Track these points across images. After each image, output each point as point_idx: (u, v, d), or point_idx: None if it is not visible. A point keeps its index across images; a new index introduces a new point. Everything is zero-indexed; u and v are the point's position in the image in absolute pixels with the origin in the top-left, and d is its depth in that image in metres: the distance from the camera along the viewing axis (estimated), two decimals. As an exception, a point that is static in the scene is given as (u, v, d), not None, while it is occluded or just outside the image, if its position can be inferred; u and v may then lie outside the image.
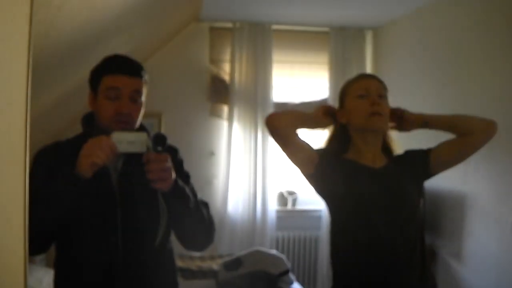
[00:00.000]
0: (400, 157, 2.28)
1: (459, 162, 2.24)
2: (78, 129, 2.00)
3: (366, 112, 2.10)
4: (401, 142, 2.36)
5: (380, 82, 2.21)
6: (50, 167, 1.74)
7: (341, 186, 2.12)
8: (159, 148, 1.68)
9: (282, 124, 2.14)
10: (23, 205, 0.99)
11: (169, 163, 1.71)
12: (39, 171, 1.74)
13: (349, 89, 2.22)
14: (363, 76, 2.31)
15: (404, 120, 2.23)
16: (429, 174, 2.24)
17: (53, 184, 1.67)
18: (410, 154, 2.28)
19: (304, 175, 2.21)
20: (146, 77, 1.93)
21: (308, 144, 2.18)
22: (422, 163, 2.21)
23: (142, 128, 1.96)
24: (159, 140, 1.69)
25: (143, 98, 1.91)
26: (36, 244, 1.53)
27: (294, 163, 2.20)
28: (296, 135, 2.15)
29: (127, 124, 1.83)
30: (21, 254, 1.00)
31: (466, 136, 2.16)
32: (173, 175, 1.74)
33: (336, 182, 2.12)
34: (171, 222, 1.87)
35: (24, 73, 0.95)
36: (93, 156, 1.61)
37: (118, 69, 1.85)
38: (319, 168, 2.14)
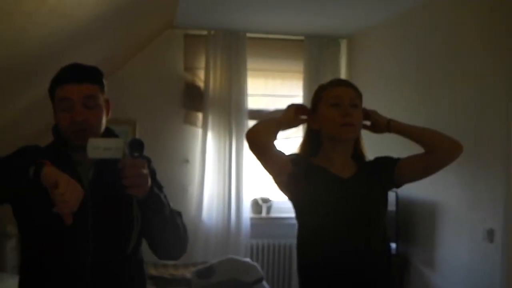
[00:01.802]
0: (369, 163, 2.29)
1: (423, 177, 2.25)
2: (49, 136, 1.97)
3: (338, 122, 2.10)
4: (374, 149, 2.38)
5: (355, 89, 2.20)
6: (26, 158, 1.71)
7: (311, 195, 2.13)
8: (136, 154, 1.65)
9: (262, 138, 2.12)
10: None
11: (146, 169, 1.68)
12: (9, 155, 1.78)
13: (323, 95, 2.20)
14: (338, 83, 2.28)
15: (372, 121, 2.26)
16: (394, 185, 2.26)
17: (15, 161, 1.67)
18: (379, 162, 2.29)
19: (277, 183, 2.21)
20: (102, 80, 1.89)
21: (283, 153, 2.18)
22: (389, 173, 2.22)
23: (112, 135, 1.93)
24: (136, 145, 1.65)
25: (100, 102, 1.87)
26: None
27: (269, 172, 2.19)
28: (274, 146, 2.14)
29: (85, 132, 1.78)
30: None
31: (431, 155, 2.17)
32: (149, 181, 1.71)
33: (306, 191, 2.13)
34: (144, 230, 1.84)
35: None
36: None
37: (66, 79, 1.81)
38: (292, 176, 2.14)
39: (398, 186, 2.27)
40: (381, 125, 2.24)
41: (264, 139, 2.12)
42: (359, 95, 2.20)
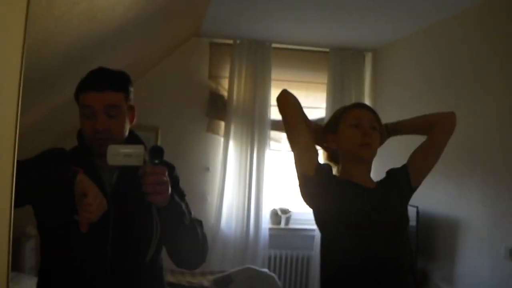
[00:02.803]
0: (385, 179, 2.33)
1: (434, 161, 2.31)
2: (73, 140, 1.98)
3: (358, 141, 2.18)
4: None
5: (374, 113, 2.30)
6: (50, 161, 1.74)
7: (337, 200, 2.12)
8: (156, 161, 1.63)
9: (293, 101, 2.27)
10: (8, 217, 0.97)
11: (166, 177, 1.66)
12: (38, 157, 1.82)
13: (344, 117, 2.27)
14: (359, 105, 2.38)
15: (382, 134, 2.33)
16: (413, 188, 2.30)
17: (46, 168, 1.68)
18: (392, 174, 2.35)
19: (303, 176, 2.18)
20: (127, 87, 1.89)
21: (313, 142, 2.24)
22: (404, 179, 2.28)
23: (138, 141, 1.93)
24: (156, 152, 1.64)
25: (123, 110, 1.86)
26: None
27: (297, 157, 2.19)
28: (304, 120, 2.26)
29: (105, 141, 1.76)
30: (5, 263, 0.98)
31: (431, 132, 2.29)
32: (169, 189, 1.70)
33: (332, 194, 2.13)
34: (163, 238, 1.82)
35: (16, 84, 0.93)
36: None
37: (88, 86, 1.81)
38: (319, 173, 2.14)
39: (416, 184, 2.31)
40: (382, 133, 2.33)
41: (295, 102, 2.28)
42: (378, 119, 2.29)
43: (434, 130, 2.28)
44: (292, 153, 2.23)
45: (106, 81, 1.83)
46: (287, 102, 2.27)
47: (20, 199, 1.67)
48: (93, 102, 1.79)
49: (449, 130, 2.30)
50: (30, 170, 1.61)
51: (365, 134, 2.17)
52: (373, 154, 2.24)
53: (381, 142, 2.34)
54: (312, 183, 2.17)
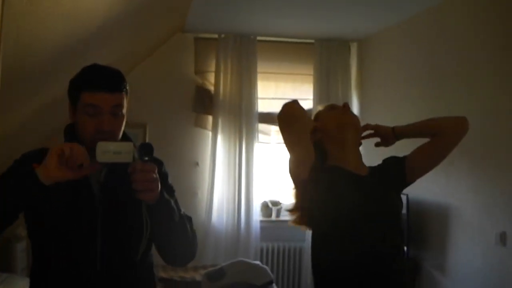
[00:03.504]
0: (379, 166, 2.30)
1: (435, 165, 2.27)
2: (60, 139, 1.97)
3: (338, 119, 2.21)
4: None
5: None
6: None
7: (328, 194, 2.11)
8: (146, 158, 1.64)
9: (299, 108, 2.19)
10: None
11: (156, 174, 1.66)
12: (11, 170, 1.78)
13: (322, 110, 2.33)
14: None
15: (380, 136, 2.31)
16: (406, 184, 2.27)
17: (12, 176, 1.66)
18: (387, 163, 2.31)
19: (296, 178, 2.14)
20: (127, 87, 1.87)
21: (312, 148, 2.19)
22: (399, 173, 2.24)
23: (126, 138, 1.92)
24: (146, 149, 1.64)
25: (124, 110, 1.86)
26: None
27: (294, 163, 2.14)
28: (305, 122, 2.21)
29: (107, 140, 1.77)
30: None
31: (439, 137, 2.21)
32: (159, 186, 1.70)
33: (322, 188, 2.11)
34: (153, 235, 1.83)
35: None
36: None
37: (97, 86, 1.78)
38: (312, 175, 2.12)
39: (411, 181, 2.28)
40: (389, 136, 2.29)
41: (301, 110, 2.20)
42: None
43: (443, 137, 2.21)
44: (287, 153, 2.18)
45: (115, 82, 1.82)
46: (294, 116, 2.19)
47: (7, 219, 1.68)
48: (103, 102, 1.76)
49: (459, 138, 2.22)
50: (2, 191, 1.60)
51: (345, 112, 2.21)
52: (357, 135, 2.26)
53: (388, 144, 2.32)
54: (305, 184, 2.16)
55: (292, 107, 2.20)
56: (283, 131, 2.21)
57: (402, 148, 2.34)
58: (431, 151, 2.24)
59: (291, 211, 2.28)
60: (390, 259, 2.09)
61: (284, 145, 2.20)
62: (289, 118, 2.18)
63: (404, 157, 2.26)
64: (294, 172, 2.14)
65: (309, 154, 2.13)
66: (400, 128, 2.28)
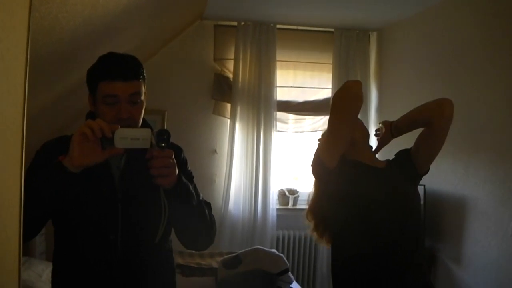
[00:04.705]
0: (394, 160, 2.32)
1: (436, 150, 2.29)
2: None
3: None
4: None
5: None
6: (51, 159, 1.71)
7: (354, 188, 2.12)
8: (163, 144, 1.66)
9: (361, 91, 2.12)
10: (18, 201, 0.99)
11: (173, 160, 1.70)
12: (37, 162, 1.81)
13: None
14: None
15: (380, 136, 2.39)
16: (420, 175, 2.30)
17: (41, 173, 1.67)
18: (400, 155, 2.37)
19: (322, 166, 2.15)
20: (144, 74, 1.90)
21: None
22: (411, 167, 2.29)
23: (145, 125, 1.95)
24: (163, 136, 1.66)
25: (143, 96, 1.89)
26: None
27: (327, 148, 2.15)
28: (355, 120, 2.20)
29: (128, 127, 1.79)
30: (16, 247, 1.01)
31: (428, 125, 2.24)
32: (177, 171, 1.73)
33: (350, 182, 2.13)
34: (172, 220, 1.85)
35: (22, 70, 0.95)
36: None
37: (114, 75, 1.80)
38: (337, 166, 2.13)
39: (422, 171, 2.32)
40: (385, 132, 2.37)
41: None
42: None
43: (432, 127, 2.22)
44: (326, 134, 2.18)
45: (131, 70, 1.84)
46: (358, 96, 2.09)
47: (43, 218, 1.71)
48: (120, 91, 1.79)
49: (447, 119, 2.21)
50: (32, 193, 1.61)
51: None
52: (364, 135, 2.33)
53: (384, 143, 2.35)
54: (329, 174, 2.16)
55: (359, 86, 2.09)
56: (338, 107, 2.12)
57: (404, 138, 2.38)
58: (428, 138, 2.27)
59: (308, 211, 2.32)
60: (409, 251, 2.10)
61: (330, 124, 2.12)
62: (354, 96, 2.07)
63: (409, 152, 2.32)
64: (324, 158, 2.14)
65: (346, 142, 2.14)
66: (394, 124, 2.37)
